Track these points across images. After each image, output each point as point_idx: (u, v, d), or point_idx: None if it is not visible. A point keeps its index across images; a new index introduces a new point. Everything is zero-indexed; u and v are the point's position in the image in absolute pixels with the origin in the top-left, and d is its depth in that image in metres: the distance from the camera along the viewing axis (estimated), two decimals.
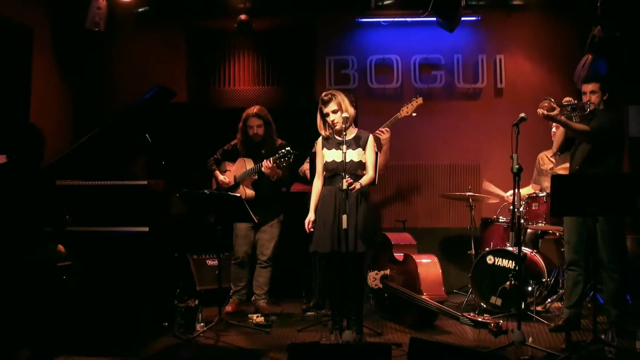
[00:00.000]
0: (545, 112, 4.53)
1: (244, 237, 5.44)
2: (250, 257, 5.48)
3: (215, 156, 5.65)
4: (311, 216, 4.51)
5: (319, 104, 4.48)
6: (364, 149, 4.47)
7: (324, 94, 4.48)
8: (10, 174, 4.15)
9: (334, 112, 4.40)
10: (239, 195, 4.93)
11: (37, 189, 4.13)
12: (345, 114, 4.38)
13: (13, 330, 3.91)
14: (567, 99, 4.83)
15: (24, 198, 4.07)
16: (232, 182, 5.46)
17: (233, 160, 5.60)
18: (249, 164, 5.39)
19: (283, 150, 5.07)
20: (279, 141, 5.44)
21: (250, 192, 5.31)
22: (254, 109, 5.43)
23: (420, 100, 5.33)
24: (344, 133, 4.37)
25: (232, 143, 5.58)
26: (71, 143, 5.43)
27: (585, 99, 4.74)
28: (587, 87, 4.75)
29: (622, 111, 6.17)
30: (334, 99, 4.41)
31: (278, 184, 5.47)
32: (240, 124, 5.47)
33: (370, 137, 4.52)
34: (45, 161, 4.52)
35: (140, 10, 6.63)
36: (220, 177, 5.52)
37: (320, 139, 4.60)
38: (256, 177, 5.33)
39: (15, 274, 3.96)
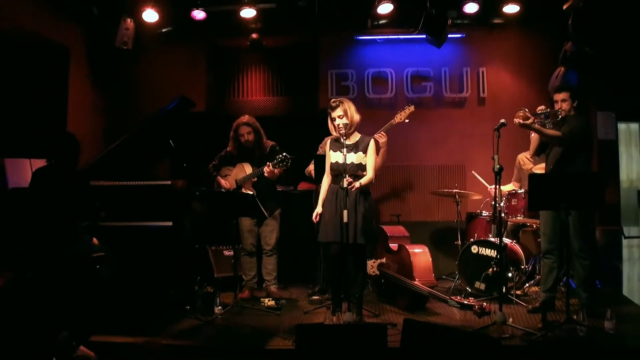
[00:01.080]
0: (520, 121, 4.53)
1: (249, 232, 5.44)
2: (256, 247, 5.48)
3: (214, 162, 5.57)
4: (318, 209, 4.50)
5: (328, 110, 4.47)
6: (364, 152, 4.44)
7: (332, 100, 4.46)
8: (49, 175, 4.17)
9: (340, 117, 4.38)
10: (252, 193, 4.93)
11: (73, 189, 4.15)
12: (344, 121, 4.37)
13: (53, 313, 3.93)
14: (540, 107, 4.82)
15: (62, 197, 4.09)
16: (234, 186, 5.42)
17: (229, 164, 5.54)
18: (248, 169, 5.36)
19: (280, 156, 5.03)
20: (269, 143, 5.42)
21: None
22: (244, 119, 5.35)
23: (412, 108, 5.33)
24: (344, 138, 4.37)
25: (228, 150, 5.49)
26: (104, 148, 5.45)
27: (557, 106, 4.72)
28: (559, 96, 4.73)
29: (591, 117, 6.15)
30: (340, 105, 4.39)
31: (275, 183, 5.45)
32: (232, 133, 5.38)
33: (372, 142, 4.49)
34: (81, 164, 4.54)
35: (164, 30, 6.64)
36: (222, 182, 5.48)
37: (329, 141, 4.58)
38: (255, 179, 5.32)
39: (55, 264, 3.99)
